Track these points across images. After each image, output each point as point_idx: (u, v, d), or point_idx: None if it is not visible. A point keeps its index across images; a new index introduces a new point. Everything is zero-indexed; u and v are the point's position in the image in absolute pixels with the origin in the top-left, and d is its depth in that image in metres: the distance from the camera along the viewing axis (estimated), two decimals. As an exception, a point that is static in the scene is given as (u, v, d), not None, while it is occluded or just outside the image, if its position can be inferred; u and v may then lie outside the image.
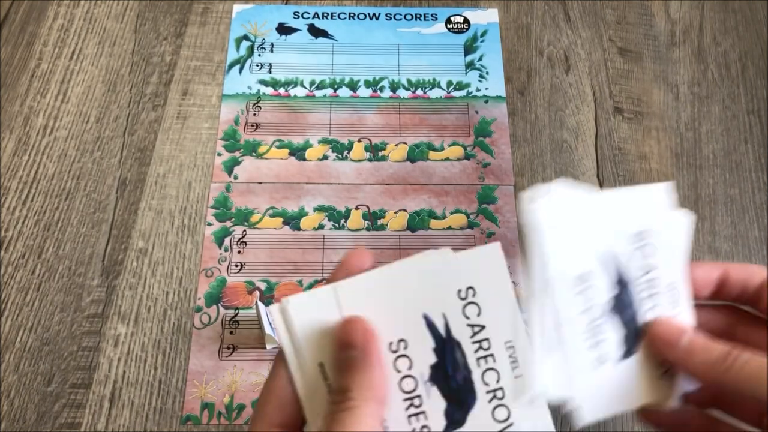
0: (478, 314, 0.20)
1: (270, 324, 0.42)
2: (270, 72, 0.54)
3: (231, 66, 0.54)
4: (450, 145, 0.51)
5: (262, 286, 0.44)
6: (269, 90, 0.53)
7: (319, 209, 0.47)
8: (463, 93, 0.53)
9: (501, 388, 0.20)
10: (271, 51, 0.55)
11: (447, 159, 0.50)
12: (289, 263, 0.45)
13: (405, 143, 0.51)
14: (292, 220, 0.47)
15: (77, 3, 0.57)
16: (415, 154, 0.50)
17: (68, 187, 0.48)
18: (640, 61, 0.55)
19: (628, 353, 0.21)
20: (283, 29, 0.56)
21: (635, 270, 0.21)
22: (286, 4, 0.57)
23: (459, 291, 0.20)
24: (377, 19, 0.56)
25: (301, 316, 0.19)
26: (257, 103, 0.52)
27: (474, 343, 0.20)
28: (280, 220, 0.47)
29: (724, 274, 0.23)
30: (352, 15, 0.57)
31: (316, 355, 0.19)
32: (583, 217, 0.20)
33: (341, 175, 0.49)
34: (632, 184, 0.49)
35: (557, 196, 0.19)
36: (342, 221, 0.47)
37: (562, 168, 0.50)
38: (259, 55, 0.54)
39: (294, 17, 0.56)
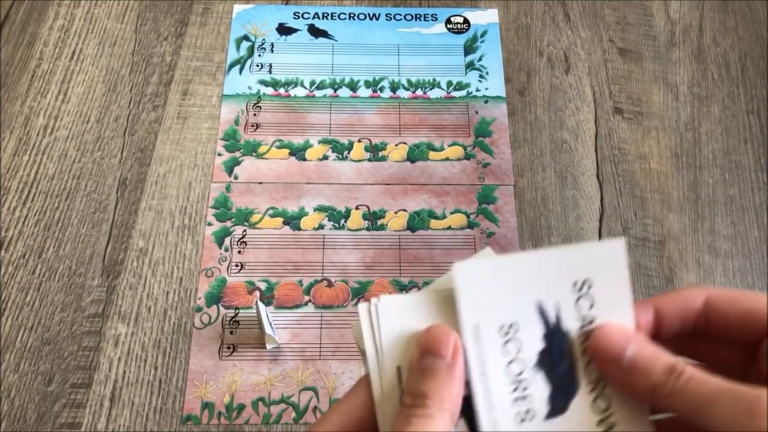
0: (591, 307, 0.20)
1: (270, 324, 0.42)
2: (270, 72, 0.54)
3: (231, 66, 0.54)
4: (450, 145, 0.51)
5: (262, 286, 0.45)
6: (269, 90, 0.53)
7: (319, 209, 0.47)
8: (463, 93, 0.53)
9: (602, 380, 0.20)
10: (272, 51, 0.55)
11: (447, 159, 0.50)
12: (289, 263, 0.45)
13: (405, 143, 0.51)
14: (292, 220, 0.47)
15: (78, 3, 0.57)
16: (415, 154, 0.50)
17: (69, 187, 0.48)
18: (639, 61, 0.55)
19: (557, 411, 0.20)
20: (284, 29, 0.56)
21: (572, 321, 0.20)
22: (286, 4, 0.57)
23: (575, 283, 0.20)
24: (377, 19, 0.57)
25: (389, 318, 0.20)
26: (257, 103, 0.52)
27: (581, 335, 0.20)
28: (280, 220, 0.47)
29: (657, 311, 0.21)
30: (352, 15, 0.57)
31: (396, 358, 0.20)
32: (514, 274, 0.20)
33: (341, 175, 0.49)
34: (632, 183, 0.49)
35: (485, 259, 0.20)
36: (342, 221, 0.47)
37: (562, 168, 0.50)
38: (260, 55, 0.55)
39: (294, 17, 0.56)
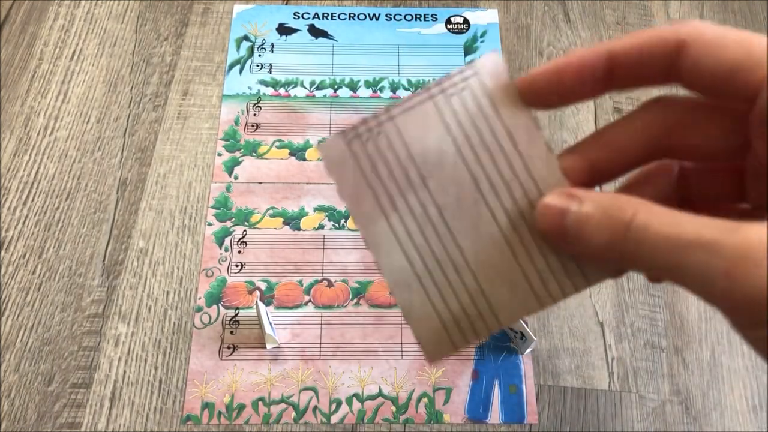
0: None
1: (270, 324, 0.42)
2: (270, 72, 0.54)
3: (231, 66, 0.54)
4: (450, 146, 0.51)
5: (263, 286, 0.45)
6: (269, 90, 0.53)
7: (320, 209, 0.48)
8: (463, 93, 0.53)
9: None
10: (272, 51, 0.55)
11: (447, 159, 0.50)
12: (289, 263, 0.45)
13: (405, 143, 0.51)
14: (293, 220, 0.47)
15: (78, 3, 0.57)
16: (415, 155, 0.50)
17: (69, 187, 0.48)
18: (639, 61, 0.55)
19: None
20: (284, 30, 0.56)
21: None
22: (286, 4, 0.57)
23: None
24: (377, 19, 0.57)
25: None
26: (257, 103, 0.52)
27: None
28: (280, 220, 0.47)
29: (610, 56, 0.17)
30: (352, 15, 0.57)
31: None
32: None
33: (341, 175, 0.49)
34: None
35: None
36: (342, 221, 0.47)
37: (561, 168, 0.50)
38: (260, 55, 0.55)
39: (294, 18, 0.57)
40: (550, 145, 0.19)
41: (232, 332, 0.43)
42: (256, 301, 0.43)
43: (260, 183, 0.49)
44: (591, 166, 0.18)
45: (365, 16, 0.57)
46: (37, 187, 0.48)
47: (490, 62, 0.19)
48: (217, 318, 0.43)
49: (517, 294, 0.18)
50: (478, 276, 0.19)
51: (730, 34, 0.16)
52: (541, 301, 0.19)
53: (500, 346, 0.42)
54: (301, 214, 0.47)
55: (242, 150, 0.50)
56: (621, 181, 0.20)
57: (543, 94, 0.18)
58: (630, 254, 0.15)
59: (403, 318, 0.19)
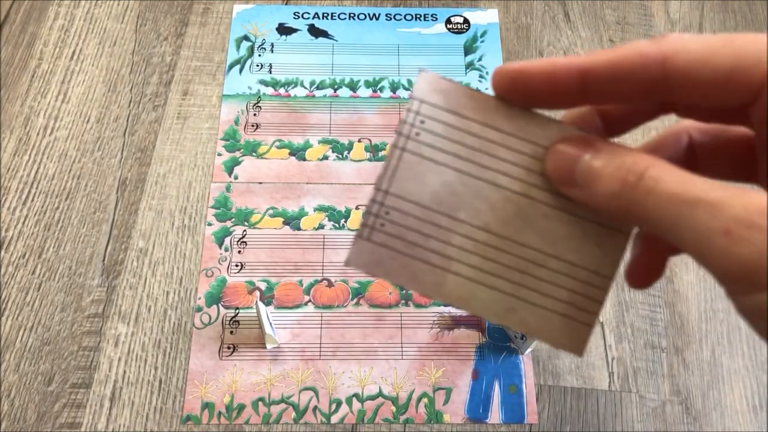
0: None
1: (270, 324, 0.42)
2: (270, 72, 0.54)
3: (231, 66, 0.54)
4: (450, 145, 0.51)
5: (263, 286, 0.45)
6: (269, 90, 0.53)
7: (320, 209, 0.48)
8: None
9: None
10: (272, 51, 0.55)
11: (447, 159, 0.50)
12: (289, 263, 0.45)
13: (405, 143, 0.51)
14: (293, 220, 0.47)
15: (78, 3, 0.57)
16: (415, 154, 0.50)
17: (68, 187, 0.48)
18: (639, 61, 0.55)
19: None
20: (283, 29, 0.56)
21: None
22: (286, 4, 0.57)
23: None
24: (377, 19, 0.57)
25: None
26: (257, 103, 0.52)
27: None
28: (280, 220, 0.47)
29: (584, 75, 0.17)
30: (352, 15, 0.57)
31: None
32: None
33: (341, 175, 0.49)
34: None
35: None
36: (342, 221, 0.47)
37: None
38: (260, 55, 0.55)
39: (294, 17, 0.57)
40: (534, 110, 0.19)
41: (232, 332, 0.43)
42: (256, 301, 0.43)
43: (260, 183, 0.49)
44: (584, 88, 0.18)
45: (365, 16, 0.57)
46: (36, 187, 0.48)
47: (425, 82, 0.19)
48: (217, 318, 0.43)
49: (604, 243, 0.18)
50: (559, 255, 0.19)
51: (713, 40, 0.15)
52: (623, 234, 0.18)
53: (500, 346, 0.42)
54: (301, 214, 0.47)
55: (242, 150, 0.50)
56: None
57: (512, 92, 0.18)
58: (637, 205, 0.15)
59: (529, 337, 0.19)
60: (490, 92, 0.19)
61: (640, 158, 0.16)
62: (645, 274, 0.20)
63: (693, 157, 0.19)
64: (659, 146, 0.20)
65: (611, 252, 0.19)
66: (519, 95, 0.18)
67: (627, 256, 0.20)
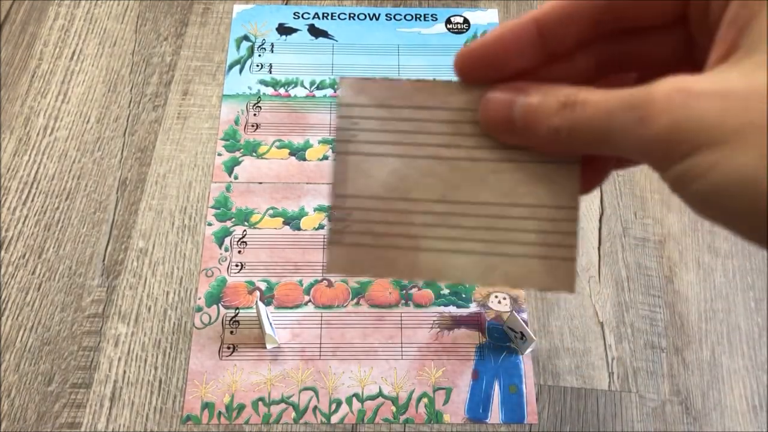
0: None
1: (270, 324, 0.42)
2: (270, 72, 0.54)
3: (231, 66, 0.54)
4: (450, 146, 0.51)
5: (263, 286, 0.45)
6: (269, 90, 0.53)
7: (320, 209, 0.48)
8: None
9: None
10: (272, 51, 0.55)
11: (447, 159, 0.50)
12: (289, 263, 0.45)
13: (405, 143, 0.51)
14: (293, 220, 0.47)
15: (78, 3, 0.57)
16: (415, 154, 0.50)
17: (69, 187, 0.48)
18: (639, 61, 0.55)
19: None
20: (284, 29, 0.56)
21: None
22: (286, 4, 0.57)
23: None
24: (377, 19, 0.57)
25: None
26: (257, 103, 0.52)
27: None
28: (280, 220, 0.47)
29: (539, 26, 0.17)
30: (352, 15, 0.57)
31: None
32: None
33: (341, 175, 0.49)
34: (632, 183, 0.49)
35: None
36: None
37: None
38: (260, 55, 0.55)
39: (294, 17, 0.57)
40: (452, 80, 0.20)
41: (232, 332, 0.43)
42: (256, 301, 0.43)
43: (260, 183, 0.49)
44: (542, 38, 0.18)
45: (365, 16, 0.57)
46: (36, 187, 0.48)
47: (347, 86, 0.20)
48: (217, 318, 0.43)
49: (556, 177, 0.19)
50: (517, 202, 0.19)
51: None
52: (572, 163, 0.19)
53: (500, 346, 0.42)
54: (301, 214, 0.47)
55: (242, 150, 0.50)
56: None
57: (478, 68, 0.18)
58: (576, 133, 0.16)
59: (512, 287, 0.19)
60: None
61: (569, 88, 0.17)
62: (585, 182, 0.21)
63: (609, 17, 0.19)
64: (611, 83, 0.20)
65: (566, 183, 0.19)
66: (483, 69, 0.18)
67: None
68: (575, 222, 0.19)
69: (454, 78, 0.19)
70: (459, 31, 0.56)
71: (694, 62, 0.18)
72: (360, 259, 0.20)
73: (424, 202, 0.20)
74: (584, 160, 0.20)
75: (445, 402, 0.41)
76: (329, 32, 0.56)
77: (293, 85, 0.53)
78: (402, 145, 0.20)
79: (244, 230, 0.47)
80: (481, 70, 0.18)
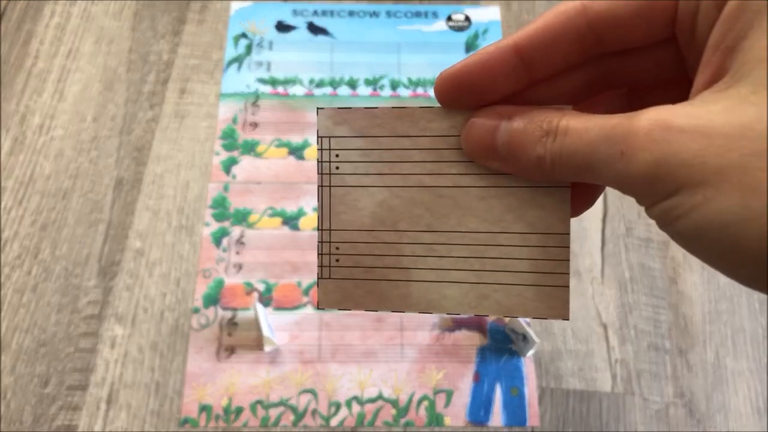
0: None
1: (268, 325, 0.42)
2: (269, 70, 0.53)
3: (229, 64, 0.53)
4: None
5: (261, 287, 0.44)
6: (268, 88, 0.52)
7: (319, 209, 0.47)
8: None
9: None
10: (270, 49, 0.54)
11: (447, 158, 0.49)
12: (288, 264, 0.45)
13: (405, 142, 0.50)
14: (291, 221, 0.46)
15: (74, 1, 0.56)
16: (416, 154, 0.49)
17: (65, 187, 0.48)
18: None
19: None
20: (282, 27, 0.55)
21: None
22: (285, 1, 0.57)
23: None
24: (377, 16, 0.56)
25: None
26: (256, 101, 0.52)
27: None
28: (278, 220, 0.47)
29: (519, 52, 0.17)
30: (351, 12, 0.56)
31: None
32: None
33: (341, 175, 0.48)
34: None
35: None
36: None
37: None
38: (258, 53, 0.54)
39: (293, 15, 0.56)
40: (433, 106, 0.19)
41: (230, 334, 0.42)
42: (255, 303, 0.42)
43: (258, 183, 0.48)
44: (524, 98, 0.18)
45: (365, 14, 0.56)
46: (32, 187, 0.48)
47: (325, 117, 0.20)
48: (214, 320, 0.43)
49: (545, 203, 0.19)
50: (506, 229, 0.19)
51: None
52: (561, 188, 0.19)
53: (502, 348, 0.42)
54: (300, 214, 0.47)
55: (240, 149, 0.49)
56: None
57: (459, 93, 0.18)
58: (560, 164, 0.16)
59: (505, 316, 0.19)
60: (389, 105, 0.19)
61: (552, 112, 0.16)
62: (574, 205, 0.20)
63: (637, 103, 0.19)
64: (600, 101, 0.20)
65: (555, 209, 0.19)
66: (465, 96, 0.18)
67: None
68: (567, 248, 0.19)
69: (436, 103, 0.19)
70: (460, 29, 0.55)
71: (685, 77, 0.17)
72: (351, 293, 0.20)
73: (413, 233, 0.19)
74: (574, 183, 0.19)
75: (446, 405, 0.40)
76: (328, 30, 0.55)
77: (292, 83, 0.52)
78: (386, 175, 0.19)
79: (242, 230, 0.46)
80: (463, 95, 0.18)
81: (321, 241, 0.20)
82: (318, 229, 0.20)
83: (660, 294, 0.44)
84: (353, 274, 0.20)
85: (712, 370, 0.42)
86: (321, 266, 0.20)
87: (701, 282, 0.45)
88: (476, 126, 0.18)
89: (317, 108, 0.20)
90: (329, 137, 0.20)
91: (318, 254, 0.20)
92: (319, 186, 0.20)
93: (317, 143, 0.20)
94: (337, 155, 0.20)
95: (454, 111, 0.19)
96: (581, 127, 0.15)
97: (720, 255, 0.14)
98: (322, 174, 0.20)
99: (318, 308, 0.20)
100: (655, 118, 0.14)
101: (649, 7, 0.16)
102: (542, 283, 0.19)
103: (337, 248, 0.20)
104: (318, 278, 0.20)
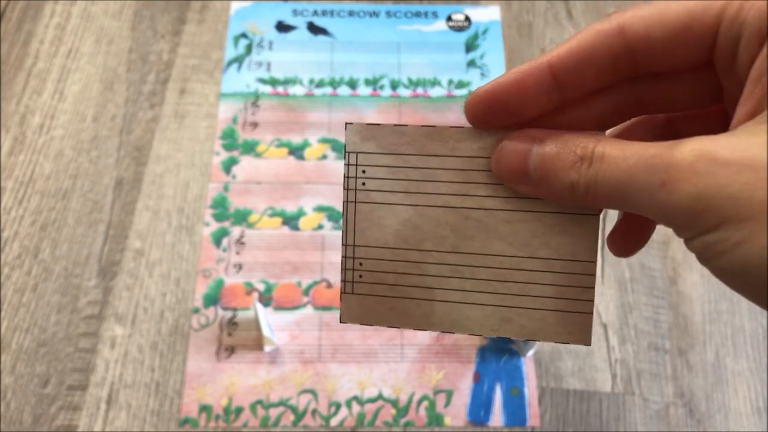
0: None
1: (268, 325, 0.41)
2: (269, 70, 0.53)
3: (229, 64, 0.53)
4: (451, 144, 0.50)
5: (261, 287, 0.44)
6: (268, 88, 0.52)
7: (318, 209, 0.47)
8: (464, 91, 0.52)
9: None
10: (270, 49, 0.54)
11: (447, 158, 0.49)
12: (288, 264, 0.45)
13: (405, 142, 0.50)
14: (291, 221, 0.46)
15: (74, 1, 0.56)
16: (416, 154, 0.49)
17: (65, 187, 0.48)
18: (643, 58, 0.55)
19: None
20: (282, 27, 0.55)
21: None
22: (285, 1, 0.57)
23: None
24: (377, 16, 0.56)
25: None
26: (256, 101, 0.52)
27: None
28: (278, 220, 0.47)
29: (553, 71, 0.16)
30: (351, 12, 0.56)
31: None
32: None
33: (341, 175, 0.48)
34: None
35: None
36: (341, 221, 0.47)
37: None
38: (258, 53, 0.54)
39: (293, 15, 0.56)
40: (463, 126, 0.19)
41: (230, 334, 0.42)
42: (255, 303, 0.42)
43: (258, 183, 0.48)
44: (555, 120, 0.18)
45: (365, 14, 0.56)
46: (32, 187, 0.47)
47: (354, 133, 0.20)
48: (214, 320, 0.43)
49: (573, 230, 0.18)
50: (532, 254, 0.19)
51: (663, 1, 0.16)
52: (591, 216, 0.18)
53: (502, 348, 0.42)
54: (300, 214, 0.47)
55: (240, 149, 0.49)
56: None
57: (491, 114, 0.18)
58: (594, 191, 0.16)
59: (527, 339, 0.19)
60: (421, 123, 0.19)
61: (587, 137, 0.16)
62: (625, 243, 0.20)
63: (672, 132, 0.19)
64: (634, 127, 0.19)
65: (583, 236, 0.18)
66: (497, 115, 0.17)
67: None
68: (593, 276, 0.18)
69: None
70: (460, 29, 0.55)
71: (720, 106, 0.17)
72: (374, 309, 0.20)
73: (437, 253, 0.19)
74: (628, 222, 0.19)
75: (446, 405, 0.40)
76: (328, 30, 0.55)
77: (292, 83, 0.52)
78: (412, 193, 0.19)
79: (242, 230, 0.46)
80: (494, 116, 0.17)
81: (345, 257, 0.20)
82: (342, 245, 0.20)
83: (660, 294, 0.44)
84: (376, 290, 0.20)
85: (712, 370, 0.42)
86: (344, 281, 0.20)
87: (701, 282, 0.45)
88: (507, 149, 0.17)
89: (345, 123, 0.20)
90: (356, 152, 0.20)
91: (342, 269, 0.20)
92: (344, 201, 0.20)
93: (344, 158, 0.20)
94: (363, 171, 0.20)
95: (484, 132, 0.19)
96: (618, 155, 0.15)
97: (766, 293, 0.14)
98: (348, 189, 0.20)
99: (340, 322, 0.20)
100: (698, 149, 0.14)
101: (689, 31, 0.16)
102: (566, 309, 0.19)
103: (361, 264, 0.20)
104: (341, 293, 0.20)
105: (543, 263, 0.19)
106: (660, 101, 0.18)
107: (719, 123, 0.18)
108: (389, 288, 0.20)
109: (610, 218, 0.47)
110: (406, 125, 0.19)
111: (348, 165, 0.20)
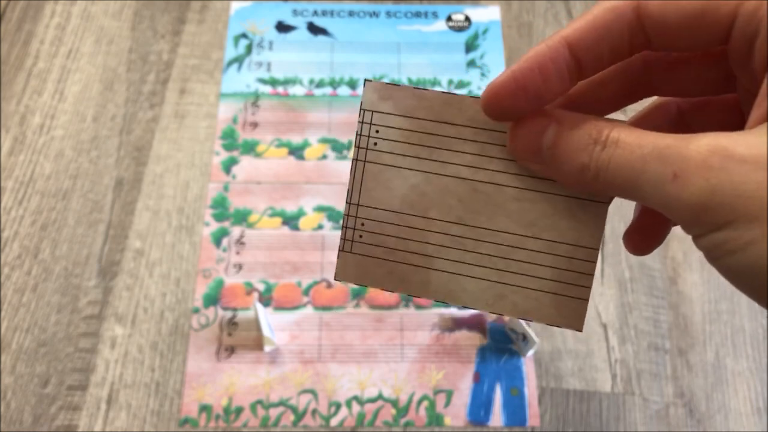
0: None
1: (268, 325, 0.42)
2: (269, 70, 0.53)
3: (229, 64, 0.53)
4: (451, 144, 0.50)
5: (261, 287, 0.44)
6: (268, 88, 0.52)
7: (319, 209, 0.47)
8: (464, 91, 0.52)
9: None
10: (270, 49, 0.54)
11: (447, 158, 0.49)
12: (288, 264, 0.45)
13: (405, 142, 0.50)
14: (291, 221, 0.46)
15: (74, 1, 0.56)
16: (416, 154, 0.49)
17: (65, 187, 0.48)
18: (643, 58, 0.55)
19: None
20: (282, 27, 0.55)
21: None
22: (285, 1, 0.57)
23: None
24: (377, 16, 0.56)
25: None
26: (256, 101, 0.52)
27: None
28: (278, 220, 0.47)
29: (571, 47, 0.16)
30: (351, 13, 0.56)
31: None
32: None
33: (341, 175, 0.48)
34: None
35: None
36: (341, 221, 0.47)
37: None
38: (258, 53, 0.54)
39: (293, 15, 0.56)
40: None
41: (230, 334, 0.42)
42: (255, 303, 0.42)
43: (258, 183, 0.48)
44: (569, 101, 0.18)
45: (365, 14, 0.56)
46: (33, 187, 0.48)
47: (372, 91, 0.19)
48: (214, 320, 0.43)
49: (580, 215, 0.18)
50: (536, 235, 0.19)
51: None
52: (600, 203, 0.18)
53: (502, 348, 0.42)
54: (300, 214, 0.47)
55: (240, 149, 0.49)
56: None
57: (511, 108, 0.17)
58: (604, 176, 0.15)
59: (519, 317, 0.19)
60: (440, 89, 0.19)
61: (602, 122, 0.16)
62: (643, 240, 0.20)
63: (684, 126, 0.19)
64: (647, 118, 0.19)
65: (590, 223, 0.18)
66: (520, 104, 0.17)
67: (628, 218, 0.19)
68: (593, 264, 0.18)
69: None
70: (460, 29, 0.55)
71: (734, 101, 0.17)
72: (370, 270, 0.20)
73: (441, 222, 0.19)
74: (647, 220, 0.19)
75: (446, 405, 0.40)
76: (328, 30, 0.55)
77: (292, 83, 0.52)
78: (424, 160, 0.19)
79: (243, 230, 0.46)
80: (517, 105, 0.17)
81: (347, 215, 0.20)
82: (346, 203, 0.20)
83: (660, 294, 0.44)
84: (375, 252, 0.19)
85: (712, 370, 0.42)
86: (344, 239, 0.20)
87: (701, 282, 0.45)
88: (524, 125, 0.17)
89: (364, 79, 0.19)
90: (372, 111, 0.19)
91: (342, 227, 0.20)
92: (353, 159, 0.19)
93: (359, 116, 0.19)
94: (377, 131, 0.19)
95: None
96: (634, 141, 0.15)
97: None
98: (358, 147, 0.19)
99: (334, 279, 0.20)
100: (713, 144, 0.14)
101: (701, 19, 0.15)
102: (562, 292, 0.19)
103: (363, 224, 0.20)
104: (339, 250, 0.20)
105: (546, 245, 0.18)
106: (673, 84, 0.18)
107: (732, 118, 0.18)
108: (389, 251, 0.19)
109: (610, 218, 0.47)
110: (426, 89, 0.19)
111: (362, 123, 0.19)
